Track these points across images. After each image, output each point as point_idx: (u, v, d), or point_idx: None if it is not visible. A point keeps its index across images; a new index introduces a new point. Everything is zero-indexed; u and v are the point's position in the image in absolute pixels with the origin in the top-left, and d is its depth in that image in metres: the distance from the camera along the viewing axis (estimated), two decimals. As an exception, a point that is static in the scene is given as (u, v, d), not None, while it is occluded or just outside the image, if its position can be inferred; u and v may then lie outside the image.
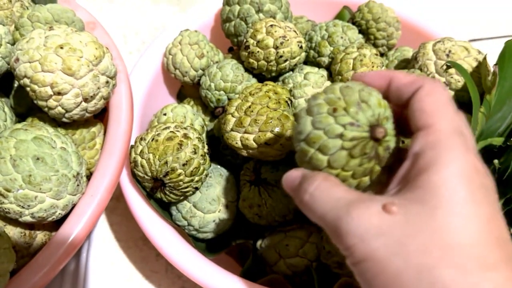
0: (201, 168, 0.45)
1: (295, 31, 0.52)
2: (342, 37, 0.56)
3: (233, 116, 0.45)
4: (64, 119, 0.44)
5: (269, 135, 0.44)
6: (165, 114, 0.52)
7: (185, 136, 0.45)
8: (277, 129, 0.44)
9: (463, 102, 0.50)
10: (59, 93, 0.41)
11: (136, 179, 0.47)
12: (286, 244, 0.48)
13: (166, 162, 0.43)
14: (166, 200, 0.46)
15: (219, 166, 0.52)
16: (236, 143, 0.45)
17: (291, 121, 0.45)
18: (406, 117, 0.29)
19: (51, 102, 0.41)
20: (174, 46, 0.56)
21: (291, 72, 0.55)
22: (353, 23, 0.60)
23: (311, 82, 0.53)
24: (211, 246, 0.51)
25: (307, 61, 0.58)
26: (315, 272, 0.46)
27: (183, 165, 0.43)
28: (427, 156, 0.26)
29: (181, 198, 0.47)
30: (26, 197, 0.38)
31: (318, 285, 0.45)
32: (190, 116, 0.52)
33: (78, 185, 0.41)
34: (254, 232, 0.53)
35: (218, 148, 0.54)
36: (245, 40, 0.53)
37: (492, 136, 0.47)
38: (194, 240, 0.49)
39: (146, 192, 0.47)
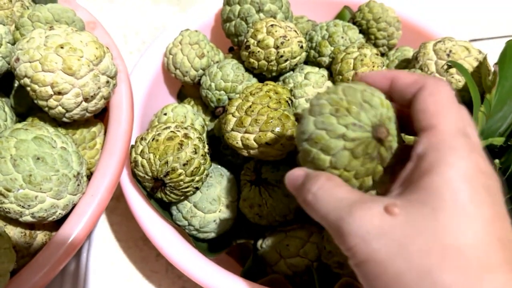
0: (202, 168, 0.45)
1: (295, 31, 0.52)
2: (342, 37, 0.56)
3: (233, 116, 0.45)
4: (64, 119, 0.44)
5: (269, 135, 0.44)
6: (165, 114, 0.52)
7: (186, 136, 0.45)
8: (277, 129, 0.44)
9: (464, 102, 0.49)
10: (59, 93, 0.41)
11: (137, 179, 0.47)
12: (287, 244, 0.47)
13: (166, 162, 0.43)
14: (166, 200, 0.46)
15: (219, 166, 0.52)
16: (237, 143, 0.45)
17: (292, 120, 0.45)
18: (410, 116, 0.29)
19: (52, 102, 0.41)
20: (174, 46, 0.56)
21: (291, 72, 0.55)
22: (354, 23, 0.60)
23: (312, 82, 0.53)
24: (212, 246, 0.51)
25: (308, 61, 0.58)
26: (316, 272, 0.46)
27: (184, 165, 0.43)
28: (430, 157, 0.26)
29: (182, 198, 0.47)
30: (26, 197, 0.38)
31: (318, 285, 0.45)
32: (190, 116, 0.52)
33: (78, 185, 0.41)
34: (254, 232, 0.53)
35: (218, 148, 0.54)
36: (245, 40, 0.53)
37: (493, 136, 0.47)
38: (195, 240, 0.49)
39: (146, 192, 0.47)
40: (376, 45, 0.60)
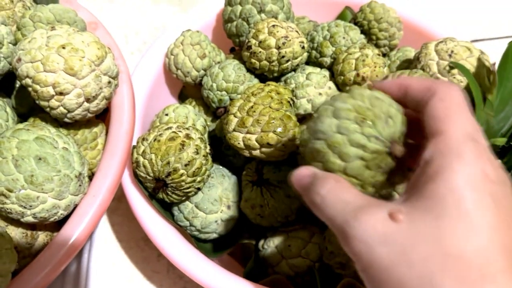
0: (203, 168, 0.45)
1: (297, 31, 0.52)
2: (344, 38, 0.56)
3: (235, 116, 0.45)
4: (66, 119, 0.44)
5: (271, 135, 0.44)
6: (167, 115, 0.52)
7: (187, 136, 0.45)
8: (279, 129, 0.44)
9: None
10: (61, 93, 0.40)
11: (138, 180, 0.46)
12: (289, 244, 0.47)
13: (168, 163, 0.43)
14: (168, 200, 0.46)
15: (221, 167, 0.52)
16: (238, 143, 0.45)
17: (294, 121, 0.45)
18: (422, 122, 0.29)
19: (53, 102, 0.41)
20: (176, 46, 0.56)
21: (293, 73, 0.55)
22: (355, 24, 0.60)
23: (313, 82, 0.53)
24: (213, 247, 0.51)
25: (309, 62, 0.58)
26: (318, 272, 0.46)
27: (185, 165, 0.43)
28: (435, 163, 0.26)
29: (183, 198, 0.47)
30: (28, 197, 0.38)
31: (320, 285, 0.45)
32: (192, 116, 0.52)
33: (80, 185, 0.41)
34: (256, 232, 0.53)
35: (220, 148, 0.54)
36: (247, 40, 0.53)
37: (495, 137, 0.47)
38: (196, 240, 0.49)
39: (148, 193, 0.47)
40: (377, 46, 0.60)
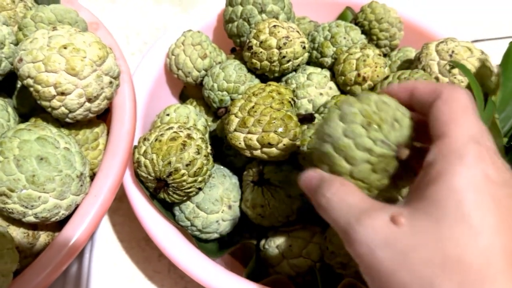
0: (205, 168, 0.45)
1: (298, 32, 0.52)
2: (345, 38, 0.56)
3: (236, 116, 0.45)
4: (67, 120, 0.44)
5: (272, 135, 0.44)
6: (168, 115, 0.52)
7: (189, 136, 0.45)
8: (280, 129, 0.44)
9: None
10: (62, 93, 0.41)
11: (139, 180, 0.47)
12: (290, 244, 0.47)
13: (169, 163, 0.43)
14: (169, 200, 0.46)
15: (222, 167, 0.52)
16: (240, 143, 0.45)
17: (295, 121, 0.45)
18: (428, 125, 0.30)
19: (55, 102, 0.41)
20: (177, 46, 0.56)
21: (294, 73, 0.55)
22: (356, 24, 0.60)
23: (314, 82, 0.53)
24: (214, 247, 0.51)
25: (310, 62, 0.58)
26: (319, 272, 0.46)
27: (187, 165, 0.43)
28: (437, 166, 0.26)
29: (184, 198, 0.47)
30: (29, 197, 0.38)
31: (321, 285, 0.45)
32: (193, 116, 0.52)
33: (81, 185, 0.41)
34: (257, 232, 0.53)
35: (221, 148, 0.54)
36: (248, 41, 0.53)
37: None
38: (197, 240, 0.49)
39: (149, 193, 0.47)
40: (378, 46, 0.60)
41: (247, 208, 0.49)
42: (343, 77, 0.52)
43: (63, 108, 0.42)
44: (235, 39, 0.58)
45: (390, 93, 0.32)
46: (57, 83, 0.40)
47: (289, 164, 0.49)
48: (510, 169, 0.27)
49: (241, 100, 0.46)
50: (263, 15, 0.54)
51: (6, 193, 0.38)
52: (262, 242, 0.50)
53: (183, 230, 0.48)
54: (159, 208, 0.46)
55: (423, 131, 0.30)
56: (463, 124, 0.27)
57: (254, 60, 0.52)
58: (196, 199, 0.48)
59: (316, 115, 0.50)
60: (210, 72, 0.55)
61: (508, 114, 0.46)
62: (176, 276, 0.54)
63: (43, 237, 0.43)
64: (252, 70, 0.55)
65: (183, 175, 0.43)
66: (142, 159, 0.44)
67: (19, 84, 0.50)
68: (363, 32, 0.59)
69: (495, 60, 0.50)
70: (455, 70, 0.50)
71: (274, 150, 0.45)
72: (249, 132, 0.44)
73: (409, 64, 0.58)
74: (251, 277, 0.45)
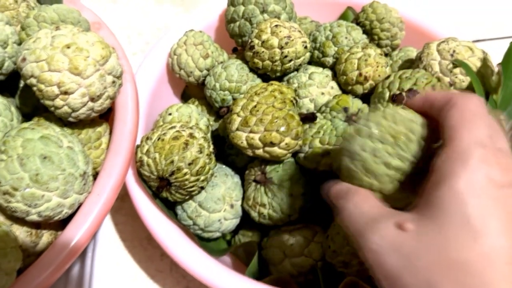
0: (207, 167, 0.45)
1: (299, 31, 0.52)
2: (346, 38, 0.56)
3: (238, 115, 0.46)
4: (70, 119, 0.44)
5: (274, 134, 0.44)
6: (170, 114, 0.52)
7: (191, 135, 0.45)
8: (282, 129, 0.44)
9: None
10: (65, 93, 0.41)
11: (142, 179, 0.47)
12: (291, 243, 0.48)
13: (172, 161, 0.43)
14: (171, 199, 0.47)
15: (224, 166, 0.52)
16: (242, 142, 0.45)
17: (297, 120, 0.45)
18: None
19: (58, 102, 0.41)
20: (179, 46, 0.57)
21: (295, 72, 0.55)
22: (357, 24, 0.60)
23: (316, 82, 0.53)
24: (216, 246, 0.51)
25: (312, 61, 0.59)
26: (321, 271, 0.46)
27: (189, 164, 0.43)
28: (442, 170, 0.26)
29: (187, 197, 0.47)
30: (33, 196, 0.38)
31: (323, 284, 0.45)
32: (195, 116, 0.52)
33: (84, 184, 0.41)
34: (259, 231, 0.53)
35: (223, 147, 0.54)
36: (250, 40, 0.53)
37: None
38: (200, 239, 0.49)
39: (151, 192, 0.47)
40: (379, 46, 0.60)
41: (249, 207, 0.49)
42: (344, 77, 0.53)
43: (66, 107, 0.42)
44: (237, 39, 0.58)
45: (412, 106, 0.33)
46: (60, 82, 0.40)
47: (291, 163, 0.49)
48: None
49: (243, 100, 0.46)
50: (265, 15, 0.54)
51: (9, 192, 0.38)
52: (264, 241, 0.51)
53: (185, 229, 0.48)
54: (162, 207, 0.47)
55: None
56: (470, 129, 0.27)
57: (256, 60, 0.53)
58: (199, 198, 0.48)
59: (318, 114, 0.50)
60: (212, 71, 0.55)
61: (509, 113, 0.47)
62: (178, 275, 0.54)
63: (46, 236, 0.43)
64: (254, 69, 0.55)
65: (185, 174, 0.43)
66: (145, 158, 0.45)
67: (21, 84, 0.50)
68: (364, 32, 0.59)
69: (497, 60, 0.50)
70: (457, 70, 0.50)
71: (276, 149, 0.45)
72: (251, 131, 0.45)
73: (410, 64, 0.58)
74: (253, 276, 0.45)
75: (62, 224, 0.45)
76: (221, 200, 0.48)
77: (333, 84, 0.54)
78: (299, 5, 0.60)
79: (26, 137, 0.39)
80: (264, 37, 0.51)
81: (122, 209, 0.59)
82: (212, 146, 0.47)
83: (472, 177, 0.25)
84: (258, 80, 0.55)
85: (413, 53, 0.60)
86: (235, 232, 0.54)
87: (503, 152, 0.27)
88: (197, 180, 0.45)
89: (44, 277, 0.39)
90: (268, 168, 0.48)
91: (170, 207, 0.49)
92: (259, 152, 0.45)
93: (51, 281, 0.40)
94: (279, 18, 0.55)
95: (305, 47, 0.53)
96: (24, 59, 0.41)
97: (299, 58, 0.53)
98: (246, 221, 0.51)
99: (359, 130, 0.32)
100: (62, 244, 0.40)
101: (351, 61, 0.52)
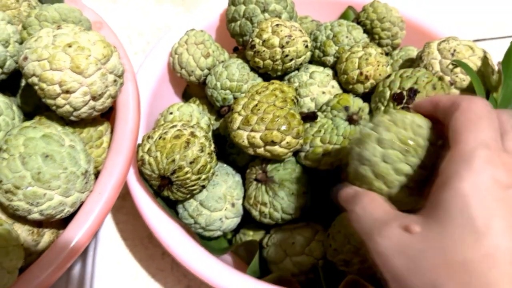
0: (208, 166, 0.45)
1: (300, 31, 0.52)
2: (347, 37, 0.56)
3: (239, 114, 0.46)
4: (72, 118, 0.44)
5: (275, 133, 0.44)
6: (171, 113, 0.52)
7: (192, 134, 0.45)
8: (283, 127, 0.44)
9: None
10: (67, 91, 0.41)
11: (143, 177, 0.47)
12: (292, 242, 0.48)
13: (173, 160, 0.43)
14: (173, 198, 0.47)
15: (225, 165, 0.52)
16: (243, 141, 0.45)
17: (298, 119, 0.45)
18: None
19: (60, 101, 0.41)
20: (180, 45, 0.57)
21: (296, 71, 0.56)
22: (358, 23, 0.60)
23: (317, 81, 0.53)
24: (218, 244, 0.51)
25: (312, 61, 0.59)
26: (322, 270, 0.46)
27: (190, 163, 0.43)
28: (446, 172, 0.27)
29: (188, 196, 0.47)
30: (35, 194, 0.38)
31: (324, 283, 0.45)
32: (196, 115, 0.53)
33: (86, 182, 0.41)
34: (260, 230, 0.53)
35: (224, 147, 0.54)
36: (251, 40, 0.53)
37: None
38: (201, 238, 0.49)
39: (153, 190, 0.47)
40: (380, 45, 0.60)
41: (250, 205, 0.49)
42: (345, 76, 0.53)
43: (68, 106, 0.42)
44: (237, 38, 0.58)
45: (419, 109, 0.34)
46: (62, 81, 0.40)
47: (292, 162, 0.49)
48: None
49: (244, 98, 0.46)
50: (266, 14, 0.54)
51: (11, 190, 0.38)
52: (265, 239, 0.51)
53: (186, 227, 0.48)
54: (163, 206, 0.47)
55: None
56: (474, 131, 0.27)
57: (257, 59, 0.53)
58: (200, 197, 0.48)
59: (319, 113, 0.50)
60: (213, 71, 0.56)
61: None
62: (179, 274, 0.54)
63: (47, 234, 0.43)
64: (254, 69, 0.55)
65: (187, 172, 0.43)
66: (146, 157, 0.45)
67: (23, 83, 0.50)
68: (365, 32, 0.59)
69: (498, 59, 0.51)
70: (457, 69, 0.50)
71: (277, 148, 0.45)
72: (252, 130, 0.45)
73: (411, 63, 0.59)
74: (254, 274, 0.45)
75: (63, 222, 0.45)
76: (222, 199, 0.48)
77: (334, 83, 0.54)
78: (300, 4, 0.60)
79: (28, 135, 0.39)
80: (265, 36, 0.51)
81: (123, 208, 0.59)
82: (213, 145, 0.47)
83: (476, 178, 0.25)
84: (259, 80, 0.55)
85: (413, 52, 0.60)
86: (236, 231, 0.54)
87: (508, 153, 0.27)
88: (199, 178, 0.45)
89: (46, 276, 0.39)
90: (269, 167, 0.48)
91: (171, 206, 0.50)
92: (260, 151, 0.45)
93: (53, 279, 0.40)
94: (280, 17, 0.55)
95: (306, 46, 0.53)
96: (25, 58, 0.41)
97: (300, 57, 0.53)
98: (247, 220, 0.52)
99: (369, 135, 0.32)
100: (63, 242, 0.41)
101: (352, 60, 0.52)
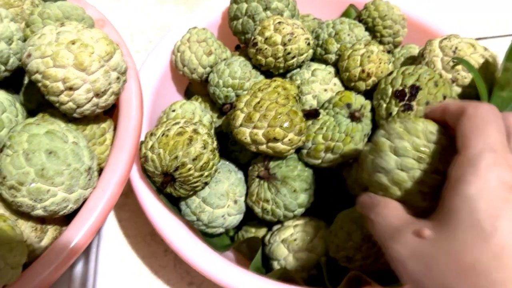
0: (211, 163, 0.45)
1: (302, 28, 0.53)
2: (349, 35, 0.56)
3: (242, 111, 0.46)
4: (75, 115, 0.44)
5: (278, 130, 0.44)
6: (174, 111, 0.52)
7: (195, 131, 0.45)
8: (286, 124, 0.44)
9: (470, 98, 0.50)
10: (70, 88, 0.41)
11: (146, 174, 0.47)
12: (295, 238, 0.48)
13: (176, 157, 0.43)
14: (175, 195, 0.47)
15: (227, 162, 0.52)
16: (245, 138, 0.45)
17: (300, 116, 0.45)
18: None
19: (63, 98, 0.42)
20: (182, 43, 0.57)
21: (298, 69, 0.56)
22: (360, 21, 0.61)
23: (319, 78, 0.53)
24: (220, 241, 0.51)
25: (314, 58, 0.59)
26: (324, 266, 0.46)
27: (193, 160, 0.44)
28: (453, 177, 0.27)
29: (191, 193, 0.47)
30: (38, 190, 0.38)
31: (327, 279, 0.45)
32: (198, 112, 0.53)
33: (89, 179, 0.42)
34: (262, 227, 0.53)
35: (226, 144, 0.55)
36: (253, 38, 0.53)
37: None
38: (203, 235, 0.49)
39: (155, 187, 0.47)
40: (381, 43, 0.60)
41: (253, 202, 0.49)
42: (347, 73, 0.53)
43: (71, 103, 0.42)
44: (240, 36, 0.58)
45: (430, 115, 0.34)
46: (65, 78, 0.40)
47: (294, 159, 0.49)
48: None
49: (246, 96, 0.47)
50: (268, 12, 0.55)
51: (15, 187, 0.38)
52: (267, 236, 0.51)
53: (189, 224, 0.49)
54: (166, 203, 0.47)
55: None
56: (481, 136, 0.28)
57: (259, 57, 0.53)
58: (202, 194, 0.48)
59: (321, 110, 0.50)
60: (215, 68, 0.56)
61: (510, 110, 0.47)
62: (182, 271, 0.55)
63: (50, 231, 0.44)
64: (257, 66, 0.55)
65: (189, 169, 0.44)
66: (149, 154, 0.45)
67: (26, 80, 0.50)
68: (366, 29, 0.59)
69: (499, 57, 0.51)
70: (459, 67, 0.50)
71: (279, 145, 0.45)
72: (254, 127, 0.45)
73: (413, 61, 0.59)
74: (256, 271, 0.45)
75: (66, 219, 0.45)
76: (224, 196, 0.48)
77: (336, 80, 0.54)
78: (302, 2, 0.60)
79: (31, 132, 0.39)
80: (267, 34, 0.51)
81: (126, 205, 0.59)
82: (216, 142, 0.47)
83: (482, 181, 0.26)
84: (261, 77, 0.56)
85: (415, 50, 0.60)
86: (238, 228, 0.54)
87: None
88: (201, 175, 0.45)
89: (49, 273, 0.39)
90: (272, 164, 0.49)
91: (174, 203, 0.50)
92: (263, 148, 0.46)
93: (56, 276, 0.40)
94: (282, 15, 0.55)
95: (308, 44, 0.53)
96: (29, 55, 0.41)
97: (302, 55, 0.53)
98: (249, 217, 0.52)
99: (383, 144, 0.33)
100: (66, 239, 0.41)
101: (353, 57, 0.52)
